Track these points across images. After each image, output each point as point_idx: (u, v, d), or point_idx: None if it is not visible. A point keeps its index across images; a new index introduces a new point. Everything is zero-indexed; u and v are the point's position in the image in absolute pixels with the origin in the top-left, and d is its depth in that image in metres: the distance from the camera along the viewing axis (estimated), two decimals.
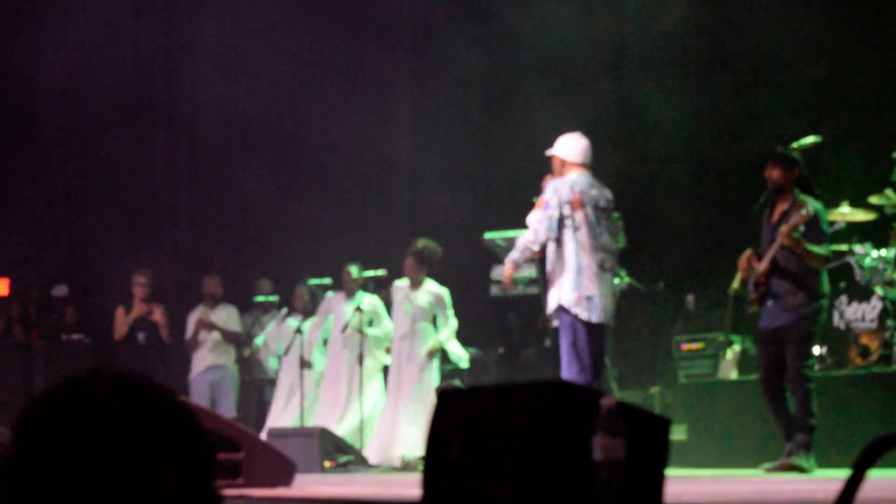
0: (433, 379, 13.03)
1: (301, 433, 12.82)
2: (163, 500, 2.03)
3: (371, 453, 12.88)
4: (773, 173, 9.89)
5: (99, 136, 16.38)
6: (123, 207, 16.72)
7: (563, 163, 9.80)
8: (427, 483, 4.20)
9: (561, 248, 9.65)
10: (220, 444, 7.44)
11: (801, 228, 9.58)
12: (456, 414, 4.21)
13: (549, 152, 9.90)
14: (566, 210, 9.58)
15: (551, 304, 9.75)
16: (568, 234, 9.60)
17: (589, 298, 9.55)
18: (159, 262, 16.18)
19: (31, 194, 16.24)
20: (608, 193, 9.84)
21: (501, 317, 14.29)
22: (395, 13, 15.51)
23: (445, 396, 4.28)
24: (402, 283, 13.30)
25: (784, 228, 9.61)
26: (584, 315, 9.52)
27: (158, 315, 14.89)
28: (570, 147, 9.80)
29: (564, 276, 9.60)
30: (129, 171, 16.75)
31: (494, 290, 13.91)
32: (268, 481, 7.45)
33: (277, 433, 12.85)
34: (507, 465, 3.95)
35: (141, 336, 14.84)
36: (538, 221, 9.67)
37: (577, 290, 9.54)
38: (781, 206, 9.92)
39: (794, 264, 9.77)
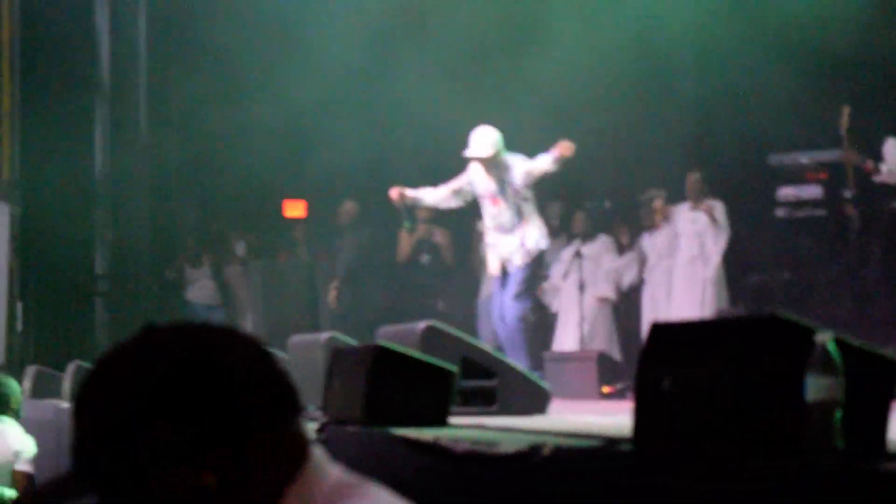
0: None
1: (578, 357, 12.73)
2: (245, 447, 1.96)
3: None
4: None
5: None
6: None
7: None
8: (638, 415, 4.06)
9: None
10: (475, 372, 7.45)
11: None
12: (668, 347, 4.05)
13: None
14: None
15: None
16: None
17: None
18: None
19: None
20: None
21: (789, 240, 13.83)
22: None
23: (658, 329, 4.12)
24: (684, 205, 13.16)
25: None
26: None
27: (441, 237, 14.98)
28: None
29: None
30: None
31: (780, 213, 13.54)
32: (522, 409, 7.40)
33: (554, 357, 12.80)
34: (716, 401, 3.77)
35: (424, 258, 14.97)
36: None
37: None
38: None
39: None
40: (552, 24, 13.97)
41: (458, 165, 11.51)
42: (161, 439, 1.89)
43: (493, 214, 11.39)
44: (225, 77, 15.97)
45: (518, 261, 11.29)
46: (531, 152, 11.33)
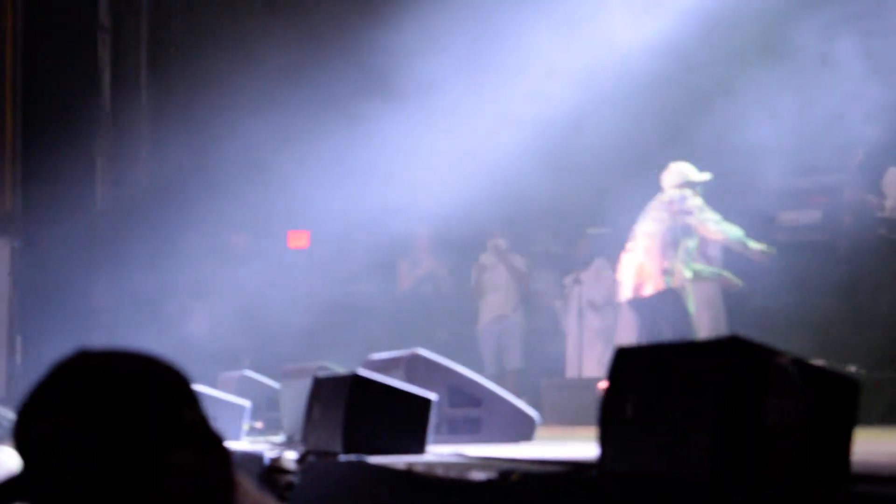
0: None
1: (580, 384, 12.65)
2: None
3: None
4: None
5: None
6: None
7: None
8: (603, 440, 4.01)
9: None
10: (462, 400, 7.41)
11: None
12: (632, 371, 4.00)
13: None
14: None
15: None
16: None
17: None
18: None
19: None
20: None
21: (791, 264, 13.70)
22: None
23: (622, 354, 4.07)
24: None
25: None
26: None
27: (439, 266, 14.91)
28: None
29: None
30: None
31: (781, 236, 13.42)
32: (508, 436, 7.35)
33: (553, 384, 12.74)
34: (676, 425, 3.72)
35: (425, 288, 14.90)
36: None
37: None
38: None
39: None
40: None
41: None
42: (97, 454, 1.96)
43: None
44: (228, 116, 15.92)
45: None
46: None
